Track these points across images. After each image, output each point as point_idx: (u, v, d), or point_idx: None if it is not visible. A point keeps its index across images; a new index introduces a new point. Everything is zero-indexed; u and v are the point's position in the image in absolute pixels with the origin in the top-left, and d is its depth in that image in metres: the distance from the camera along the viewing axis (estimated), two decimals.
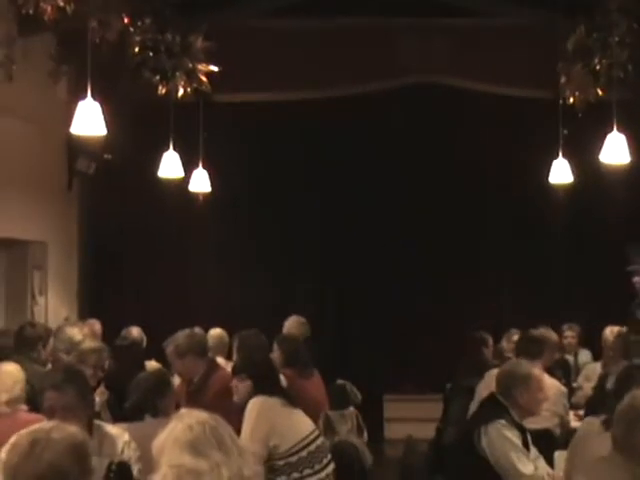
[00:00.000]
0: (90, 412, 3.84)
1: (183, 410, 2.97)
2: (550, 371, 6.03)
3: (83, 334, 5.94)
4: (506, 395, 4.57)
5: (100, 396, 5.45)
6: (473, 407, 5.75)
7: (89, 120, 5.95)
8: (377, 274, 10.14)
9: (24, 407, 4.52)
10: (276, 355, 6.15)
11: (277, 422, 4.66)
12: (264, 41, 8.69)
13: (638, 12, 7.37)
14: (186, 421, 2.73)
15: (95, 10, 6.32)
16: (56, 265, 8.96)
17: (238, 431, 4.32)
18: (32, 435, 2.48)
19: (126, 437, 3.87)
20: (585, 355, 8.65)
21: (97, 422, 3.92)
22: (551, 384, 5.59)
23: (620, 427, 3.24)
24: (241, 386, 4.82)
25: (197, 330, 6.08)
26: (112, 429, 3.95)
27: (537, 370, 4.74)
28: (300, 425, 4.77)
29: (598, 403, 4.68)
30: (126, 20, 7.11)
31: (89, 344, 5.73)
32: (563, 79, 8.16)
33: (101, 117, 5.97)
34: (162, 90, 7.93)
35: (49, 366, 5.88)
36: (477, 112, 9.33)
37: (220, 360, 6.71)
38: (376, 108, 9.35)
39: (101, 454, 3.69)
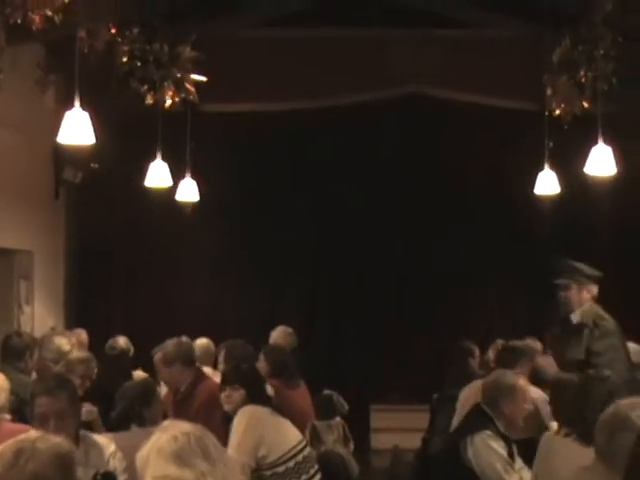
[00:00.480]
0: (77, 421, 3.84)
1: (167, 422, 2.96)
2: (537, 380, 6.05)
3: (71, 344, 5.93)
4: (492, 406, 4.59)
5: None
6: (455, 417, 5.77)
7: (77, 129, 5.94)
8: (369, 284, 10.18)
9: (8, 417, 4.50)
10: (262, 365, 6.14)
11: (266, 432, 4.66)
12: (252, 51, 8.71)
13: (623, 25, 7.42)
14: (170, 432, 2.70)
15: (83, 20, 6.32)
16: (42, 274, 8.94)
17: (224, 441, 4.32)
18: (17, 445, 2.48)
19: (112, 447, 3.87)
20: None
21: (83, 432, 3.92)
22: (535, 392, 5.62)
23: (602, 436, 3.25)
24: (236, 395, 4.81)
25: (185, 339, 6.08)
26: (98, 439, 3.94)
27: (522, 381, 4.77)
28: (288, 435, 4.77)
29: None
30: (114, 30, 7.11)
31: (77, 354, 5.72)
32: (549, 91, 8.21)
33: (89, 126, 5.97)
34: (150, 100, 7.94)
35: (34, 376, 5.86)
36: (464, 123, 9.36)
37: (207, 370, 6.70)
38: (366, 118, 9.37)
39: (87, 464, 3.69)
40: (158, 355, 5.87)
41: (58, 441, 2.53)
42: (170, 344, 5.90)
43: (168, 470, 2.60)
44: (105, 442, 3.91)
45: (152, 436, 2.73)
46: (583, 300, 6.12)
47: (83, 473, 3.67)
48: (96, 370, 5.74)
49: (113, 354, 6.62)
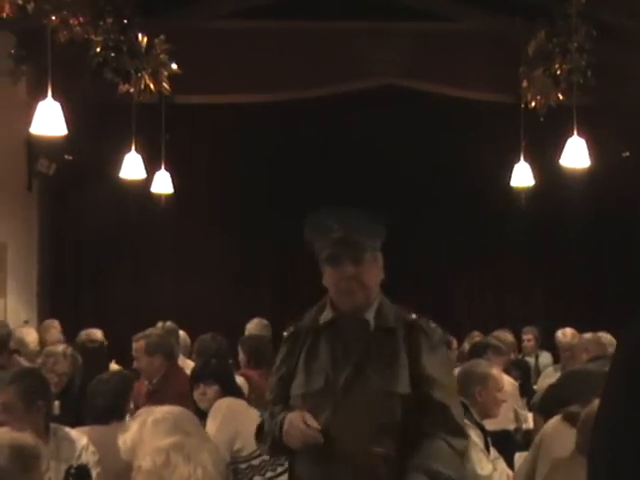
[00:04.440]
0: (40, 416, 3.76)
1: (145, 408, 2.96)
2: (506, 372, 6.07)
3: (48, 337, 5.87)
4: (465, 394, 4.59)
5: None
6: None
7: (49, 120, 5.90)
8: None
9: None
10: (240, 356, 6.13)
11: (241, 426, 4.64)
12: (227, 43, 8.67)
13: (596, 19, 7.45)
14: (159, 410, 2.77)
15: (56, 9, 6.26)
16: (16, 266, 8.87)
17: None
18: None
19: (84, 441, 3.83)
20: (545, 357, 8.72)
21: (54, 426, 3.87)
22: (508, 382, 5.64)
23: (585, 428, 3.26)
24: (210, 391, 4.78)
25: (170, 326, 6.00)
26: (70, 433, 3.90)
27: (496, 370, 4.77)
28: None
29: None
30: (88, 20, 7.05)
31: (58, 349, 5.64)
32: (524, 83, 8.23)
33: (61, 117, 5.92)
34: (123, 90, 7.88)
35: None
36: (439, 115, 9.37)
37: (187, 361, 6.71)
38: (337, 110, 9.36)
39: (59, 458, 3.65)
40: (140, 343, 5.78)
41: (19, 435, 2.52)
42: (154, 334, 5.85)
43: (171, 439, 2.65)
44: (76, 436, 3.87)
45: (134, 421, 2.76)
46: None
47: (55, 467, 3.64)
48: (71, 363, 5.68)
49: (93, 347, 6.53)
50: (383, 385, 2.80)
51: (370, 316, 2.89)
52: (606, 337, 6.57)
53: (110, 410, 4.39)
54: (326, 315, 2.93)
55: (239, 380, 5.38)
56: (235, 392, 4.86)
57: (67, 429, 3.92)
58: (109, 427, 4.25)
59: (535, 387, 7.59)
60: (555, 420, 4.20)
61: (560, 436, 3.95)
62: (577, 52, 7.49)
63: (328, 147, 9.87)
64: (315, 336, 2.93)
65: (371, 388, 2.80)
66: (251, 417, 4.73)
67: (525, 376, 7.34)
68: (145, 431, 2.68)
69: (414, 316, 2.95)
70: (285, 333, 3.04)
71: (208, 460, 2.66)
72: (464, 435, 2.84)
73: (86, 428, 4.27)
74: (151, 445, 2.63)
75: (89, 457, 3.78)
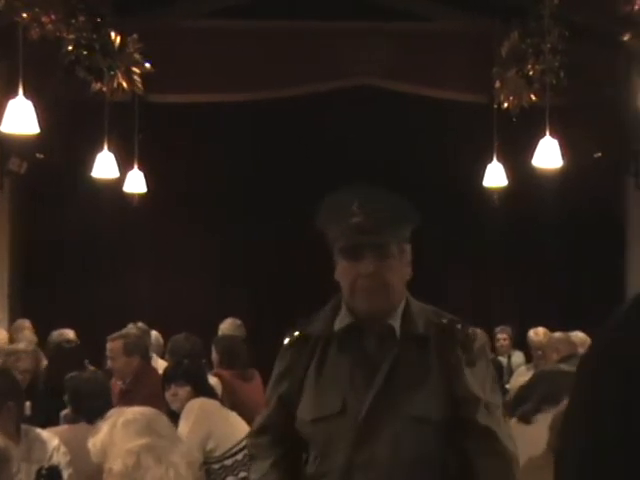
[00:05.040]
0: (11, 417, 3.72)
1: (117, 408, 2.95)
2: None
3: (21, 338, 5.82)
4: None
5: None
6: None
7: (21, 118, 5.85)
8: (319, 272, 10.13)
9: None
10: (213, 356, 6.11)
11: (214, 426, 4.62)
12: (202, 42, 8.64)
13: (569, 20, 7.50)
14: (130, 411, 2.78)
15: (27, 6, 6.21)
16: None
17: None
18: None
19: (55, 442, 3.80)
20: (518, 357, 8.76)
21: (25, 427, 3.83)
22: None
23: (558, 427, 3.27)
24: (181, 392, 4.76)
25: (143, 327, 5.95)
26: (41, 434, 3.86)
27: None
28: (237, 428, 4.74)
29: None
30: (60, 17, 6.99)
31: (19, 347, 5.60)
32: (497, 84, 8.26)
33: (33, 116, 5.87)
34: (96, 88, 7.82)
35: None
36: (412, 115, 9.38)
37: (160, 361, 6.68)
38: (314, 110, 9.35)
39: (30, 460, 3.62)
40: (117, 343, 5.71)
41: None
42: (133, 334, 5.81)
43: (142, 440, 2.65)
44: (48, 437, 3.83)
45: (105, 423, 2.76)
46: None
47: (26, 469, 3.60)
48: (39, 363, 5.63)
49: (69, 347, 6.46)
50: (415, 410, 2.30)
51: (396, 322, 2.37)
52: (577, 336, 6.61)
53: (105, 410, 4.36)
54: (342, 319, 2.39)
55: (212, 380, 5.36)
56: (208, 392, 4.84)
57: (38, 430, 3.88)
58: (79, 426, 4.21)
59: (507, 386, 7.62)
60: (512, 421, 4.23)
61: (518, 436, 3.97)
62: (550, 53, 7.53)
63: (305, 147, 9.84)
64: (327, 345, 2.39)
65: (401, 414, 2.29)
66: (224, 417, 4.72)
67: (499, 376, 7.36)
68: (115, 433, 2.67)
69: (448, 319, 2.46)
70: (286, 340, 2.50)
71: (180, 461, 2.65)
72: (510, 457, 2.35)
73: (59, 428, 4.24)
74: (122, 447, 2.62)
75: (60, 458, 3.74)
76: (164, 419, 2.80)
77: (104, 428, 2.72)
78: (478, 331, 2.48)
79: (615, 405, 1.33)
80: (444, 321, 2.43)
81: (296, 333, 2.48)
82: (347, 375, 2.34)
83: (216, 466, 4.59)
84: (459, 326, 2.43)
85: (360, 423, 2.28)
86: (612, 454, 1.32)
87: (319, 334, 2.41)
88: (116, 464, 2.60)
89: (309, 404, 2.37)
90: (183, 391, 4.76)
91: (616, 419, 1.32)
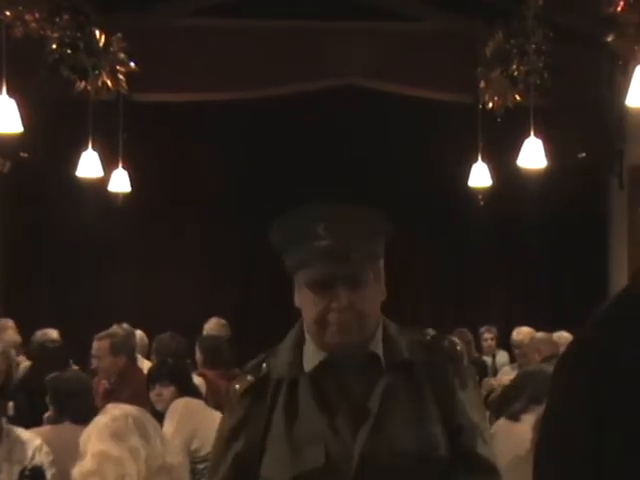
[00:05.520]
0: None
1: (110, 405, 2.99)
2: None
3: (4, 337, 5.77)
4: None
5: None
6: None
7: (4, 117, 5.83)
8: None
9: None
10: (197, 356, 6.10)
11: (199, 425, 4.62)
12: (186, 40, 8.62)
13: (553, 21, 7.52)
14: (111, 412, 2.84)
15: (10, 4, 6.18)
16: None
17: None
18: None
19: (37, 442, 3.77)
20: (502, 356, 8.79)
21: (7, 427, 3.80)
22: None
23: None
24: (166, 392, 4.75)
25: (127, 328, 5.93)
26: (23, 434, 3.84)
27: None
28: None
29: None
30: (44, 16, 6.96)
31: None
32: (482, 84, 8.28)
33: (17, 114, 5.85)
34: (80, 87, 7.80)
35: None
36: (397, 115, 9.39)
37: (144, 361, 6.66)
38: (297, 109, 9.35)
39: (11, 460, 3.60)
40: (103, 342, 5.68)
41: None
42: (120, 334, 5.79)
43: (104, 446, 2.72)
44: (29, 437, 3.81)
45: (94, 419, 2.88)
46: None
47: (7, 469, 3.58)
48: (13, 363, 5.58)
49: (53, 347, 6.42)
50: (413, 448, 1.96)
51: (378, 348, 2.03)
52: (561, 336, 6.63)
53: (88, 410, 4.35)
54: (313, 356, 2.01)
55: (197, 380, 5.35)
56: (192, 392, 4.83)
57: (20, 430, 3.85)
58: (64, 426, 4.19)
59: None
60: (501, 421, 4.24)
61: (505, 435, 3.98)
62: (534, 54, 7.56)
63: (292, 147, 9.84)
64: (293, 389, 2.00)
65: (399, 457, 1.95)
66: (208, 417, 4.72)
67: (482, 375, 7.39)
68: (91, 434, 2.75)
69: (431, 335, 2.18)
70: (237, 386, 2.09)
71: (140, 469, 2.70)
72: None
73: (43, 429, 4.22)
74: (90, 450, 2.71)
75: (43, 458, 3.72)
76: (137, 423, 2.81)
77: (89, 426, 2.79)
78: (458, 344, 2.22)
79: (588, 402, 1.34)
80: (428, 339, 2.12)
81: (247, 377, 2.06)
82: (326, 421, 1.96)
83: (201, 466, 4.58)
84: (446, 343, 2.13)
85: (351, 474, 1.93)
86: (584, 457, 1.33)
87: (281, 376, 2.01)
88: (78, 467, 2.69)
89: (282, 460, 1.97)
90: (167, 391, 4.75)
91: (589, 417, 1.33)
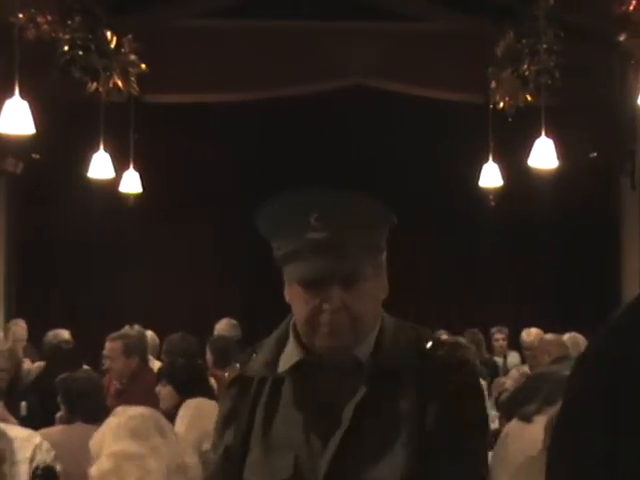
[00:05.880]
0: None
1: (120, 408, 2.97)
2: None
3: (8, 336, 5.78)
4: None
5: None
6: None
7: (17, 119, 5.85)
8: None
9: None
10: (208, 357, 6.11)
11: (210, 425, 4.60)
12: (197, 42, 8.63)
13: (564, 20, 7.51)
14: (126, 413, 2.80)
15: (23, 7, 6.20)
16: None
17: None
18: None
19: (37, 439, 3.74)
20: (514, 357, 8.77)
21: (2, 426, 3.78)
22: None
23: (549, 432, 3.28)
24: (164, 391, 4.78)
25: (139, 329, 5.94)
26: (20, 433, 3.80)
27: None
28: None
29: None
30: (55, 18, 6.99)
31: None
32: (493, 84, 8.27)
33: (29, 116, 5.87)
34: (91, 88, 7.82)
35: None
36: (408, 115, 9.39)
37: (155, 362, 6.67)
38: (307, 110, 9.35)
39: (8, 461, 3.58)
40: (116, 343, 5.68)
41: None
42: (133, 335, 5.80)
43: (123, 445, 2.67)
44: (26, 435, 3.77)
45: (105, 422, 2.82)
46: None
47: (8, 471, 3.57)
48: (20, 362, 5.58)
49: (67, 348, 6.44)
50: (387, 472, 1.72)
51: (364, 353, 1.79)
52: (571, 337, 6.61)
53: (99, 410, 4.36)
54: (290, 356, 1.83)
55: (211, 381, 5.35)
56: (199, 392, 4.80)
57: (17, 429, 3.81)
58: (82, 427, 4.20)
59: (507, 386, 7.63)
60: (513, 422, 4.23)
61: (517, 437, 3.98)
62: (545, 53, 7.54)
63: (302, 148, 9.85)
64: (275, 389, 1.84)
65: (362, 478, 1.73)
66: None
67: (493, 375, 7.38)
68: (107, 434, 2.71)
69: (433, 340, 1.86)
70: (226, 374, 2.00)
71: (161, 468, 2.67)
72: None
73: (55, 429, 4.23)
74: (106, 450, 2.66)
75: (44, 456, 3.68)
76: (154, 422, 2.80)
77: (102, 428, 2.77)
78: (467, 347, 2.00)
79: (604, 407, 1.34)
80: (427, 346, 1.82)
81: (235, 367, 1.93)
82: (301, 428, 1.77)
83: None
84: (442, 352, 1.81)
85: None
86: (599, 459, 1.34)
87: (261, 375, 1.85)
88: (96, 467, 2.65)
89: (257, 466, 1.81)
90: (165, 390, 4.78)
91: (604, 421, 1.34)
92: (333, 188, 1.81)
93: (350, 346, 1.78)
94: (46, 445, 3.66)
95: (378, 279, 1.82)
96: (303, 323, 1.81)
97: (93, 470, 2.67)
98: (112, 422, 2.80)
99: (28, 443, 3.65)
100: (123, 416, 2.80)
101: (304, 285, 1.79)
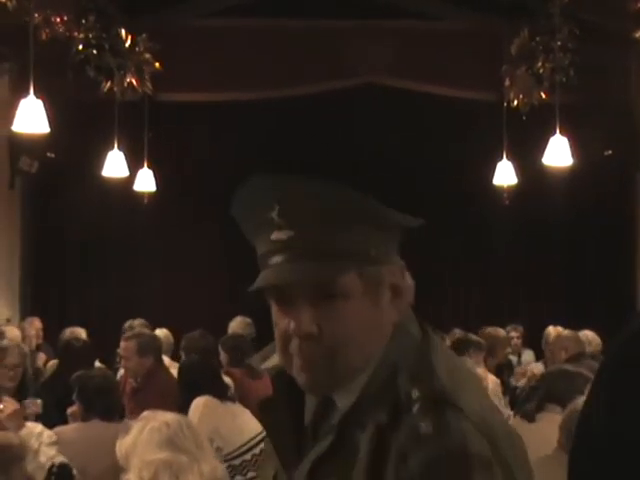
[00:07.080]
0: None
1: (146, 412, 2.93)
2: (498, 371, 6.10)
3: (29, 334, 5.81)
4: None
5: None
6: None
7: (32, 118, 5.88)
8: None
9: None
10: (222, 356, 6.12)
11: (220, 424, 4.62)
12: (210, 41, 8.66)
13: (579, 18, 7.48)
14: (159, 419, 2.74)
15: (38, 7, 6.23)
16: None
17: None
18: None
19: (38, 429, 3.74)
20: (528, 355, 8.75)
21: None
22: (489, 378, 5.67)
23: (567, 427, 3.27)
24: None
25: (143, 322, 5.94)
26: (24, 429, 3.81)
27: (480, 369, 4.79)
28: (245, 427, 4.73)
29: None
30: (70, 18, 7.02)
31: (3, 343, 5.53)
32: (507, 82, 8.25)
33: (44, 115, 5.90)
34: (106, 88, 7.85)
35: None
36: (422, 113, 9.37)
37: (166, 360, 6.67)
38: (321, 108, 9.35)
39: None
40: (131, 342, 5.69)
41: (3, 434, 2.49)
42: (147, 334, 5.81)
43: (161, 454, 2.62)
44: (29, 426, 3.78)
45: (134, 426, 2.76)
46: None
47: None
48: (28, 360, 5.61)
49: (79, 345, 6.47)
50: None
51: (345, 397, 1.39)
52: (588, 334, 6.60)
53: (115, 407, 4.39)
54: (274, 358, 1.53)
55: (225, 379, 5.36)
56: (209, 392, 4.79)
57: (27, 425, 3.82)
58: (99, 425, 4.21)
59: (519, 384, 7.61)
60: (516, 419, 4.23)
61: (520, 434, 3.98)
62: (560, 51, 7.52)
63: (311, 146, 9.85)
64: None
65: None
66: (231, 416, 4.72)
67: (509, 374, 7.36)
68: (140, 440, 2.67)
69: (420, 391, 1.33)
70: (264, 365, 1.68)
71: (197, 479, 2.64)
72: None
73: (71, 426, 4.25)
74: (142, 458, 2.63)
75: (49, 450, 3.69)
76: (191, 431, 2.77)
77: (132, 432, 2.71)
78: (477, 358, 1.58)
79: (632, 407, 1.34)
80: (413, 396, 1.32)
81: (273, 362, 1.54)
82: (281, 449, 1.49)
83: (224, 465, 4.59)
84: (415, 409, 1.30)
85: None
86: (628, 456, 1.34)
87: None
88: (133, 475, 2.61)
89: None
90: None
91: (633, 420, 1.34)
92: (303, 175, 1.40)
93: (327, 387, 1.39)
94: (48, 439, 3.66)
95: (370, 298, 1.38)
96: (277, 345, 1.43)
97: (131, 477, 2.63)
98: (143, 427, 2.73)
99: (29, 434, 3.66)
100: (156, 422, 2.73)
101: (273, 299, 1.45)
